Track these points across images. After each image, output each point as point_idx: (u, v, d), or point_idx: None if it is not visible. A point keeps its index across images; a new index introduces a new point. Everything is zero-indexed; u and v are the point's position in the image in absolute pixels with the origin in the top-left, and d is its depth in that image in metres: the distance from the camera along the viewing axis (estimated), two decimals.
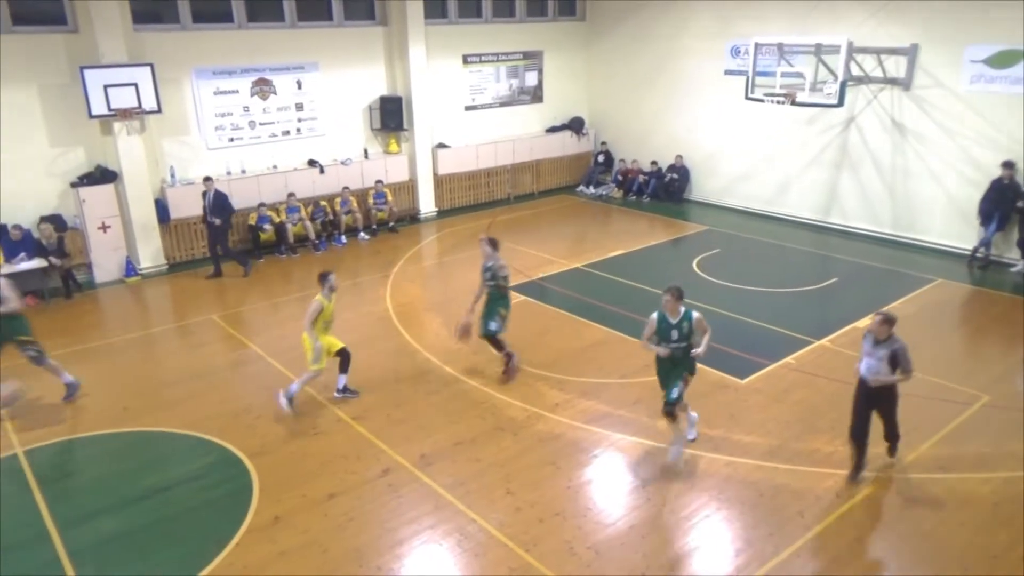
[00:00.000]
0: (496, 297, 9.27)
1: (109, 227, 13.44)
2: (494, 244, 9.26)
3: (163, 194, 14.23)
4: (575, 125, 20.23)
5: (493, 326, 9.19)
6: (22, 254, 12.31)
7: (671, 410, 7.25)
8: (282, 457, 7.81)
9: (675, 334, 7.04)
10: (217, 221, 13.40)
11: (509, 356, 9.34)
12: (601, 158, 20.17)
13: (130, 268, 13.76)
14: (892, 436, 7.19)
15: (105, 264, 13.57)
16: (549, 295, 12.30)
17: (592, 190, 19.60)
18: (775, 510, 6.73)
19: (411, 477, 7.38)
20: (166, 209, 14.20)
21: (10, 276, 11.94)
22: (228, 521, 6.77)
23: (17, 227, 12.48)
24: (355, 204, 16.02)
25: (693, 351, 7.16)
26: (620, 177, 19.46)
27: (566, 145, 20.12)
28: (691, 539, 6.44)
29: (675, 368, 7.24)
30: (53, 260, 12.47)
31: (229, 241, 14.04)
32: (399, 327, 11.15)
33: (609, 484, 7.28)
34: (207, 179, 13.59)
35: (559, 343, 10.45)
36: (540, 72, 19.64)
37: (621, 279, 12.99)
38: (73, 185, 13.24)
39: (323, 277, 8.49)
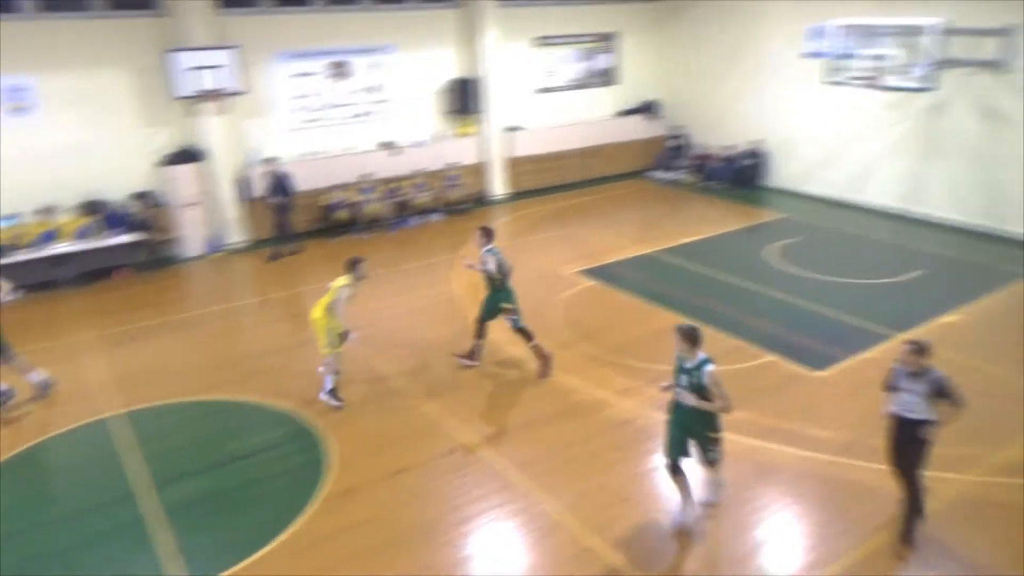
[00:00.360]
0: (494, 291, 8.88)
1: (195, 204, 13.99)
2: (486, 233, 8.76)
3: (245, 173, 14.71)
4: (647, 108, 19.90)
5: (508, 324, 8.93)
6: (117, 228, 12.99)
7: (713, 458, 6.31)
8: (352, 432, 8.04)
9: (684, 379, 6.05)
10: (278, 200, 13.75)
11: (543, 355, 9.00)
12: (675, 142, 19.80)
13: (214, 244, 14.31)
14: (914, 500, 6.03)
15: (191, 239, 14.14)
16: (620, 280, 12.19)
17: (665, 175, 19.27)
18: (849, 507, 6.55)
19: (477, 457, 7.49)
20: (248, 187, 14.68)
21: (105, 249, 12.71)
22: (302, 490, 7.04)
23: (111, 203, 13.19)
24: (428, 185, 16.22)
25: (698, 401, 5.96)
26: (695, 162, 19.09)
27: (638, 129, 19.81)
28: (761, 532, 6.34)
29: (693, 423, 6.13)
30: (143, 235, 13.10)
31: (290, 222, 14.16)
32: (466, 308, 11.26)
33: None
34: (270, 159, 13.96)
35: (629, 329, 10.38)
36: (613, 54, 19.37)
37: (694, 266, 12.77)
38: (161, 164, 13.83)
39: (355, 264, 8.20)
